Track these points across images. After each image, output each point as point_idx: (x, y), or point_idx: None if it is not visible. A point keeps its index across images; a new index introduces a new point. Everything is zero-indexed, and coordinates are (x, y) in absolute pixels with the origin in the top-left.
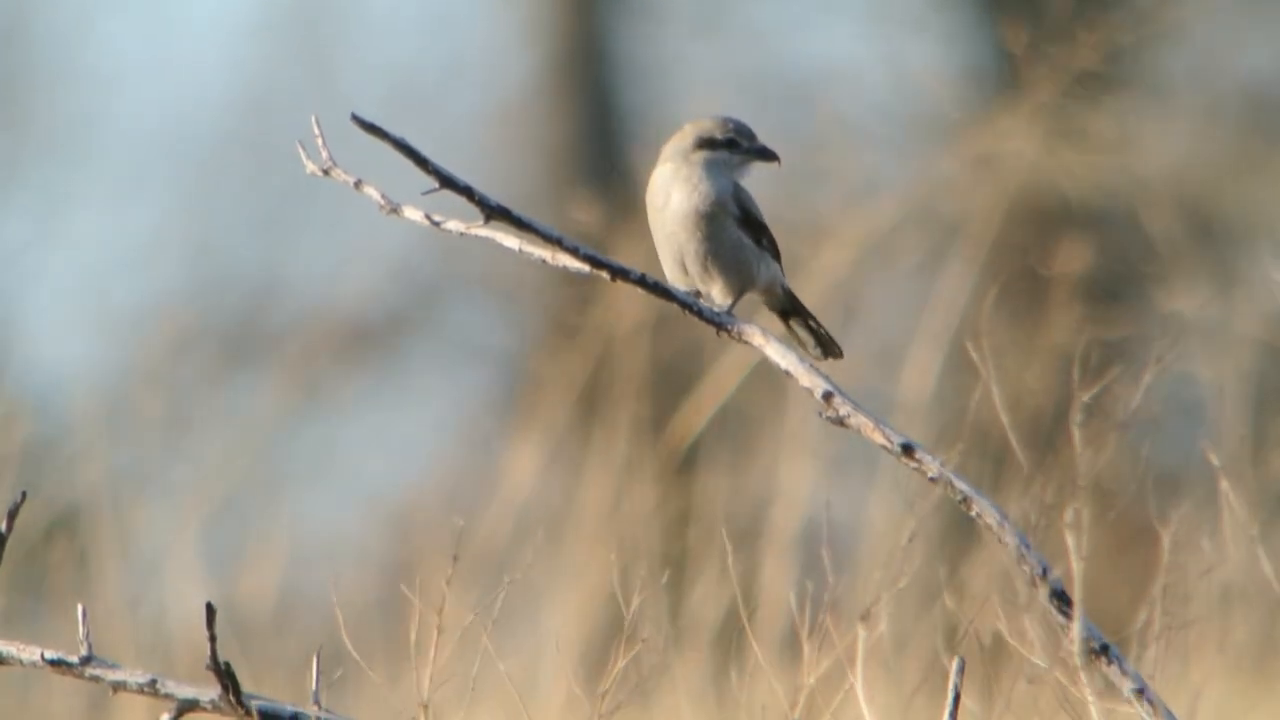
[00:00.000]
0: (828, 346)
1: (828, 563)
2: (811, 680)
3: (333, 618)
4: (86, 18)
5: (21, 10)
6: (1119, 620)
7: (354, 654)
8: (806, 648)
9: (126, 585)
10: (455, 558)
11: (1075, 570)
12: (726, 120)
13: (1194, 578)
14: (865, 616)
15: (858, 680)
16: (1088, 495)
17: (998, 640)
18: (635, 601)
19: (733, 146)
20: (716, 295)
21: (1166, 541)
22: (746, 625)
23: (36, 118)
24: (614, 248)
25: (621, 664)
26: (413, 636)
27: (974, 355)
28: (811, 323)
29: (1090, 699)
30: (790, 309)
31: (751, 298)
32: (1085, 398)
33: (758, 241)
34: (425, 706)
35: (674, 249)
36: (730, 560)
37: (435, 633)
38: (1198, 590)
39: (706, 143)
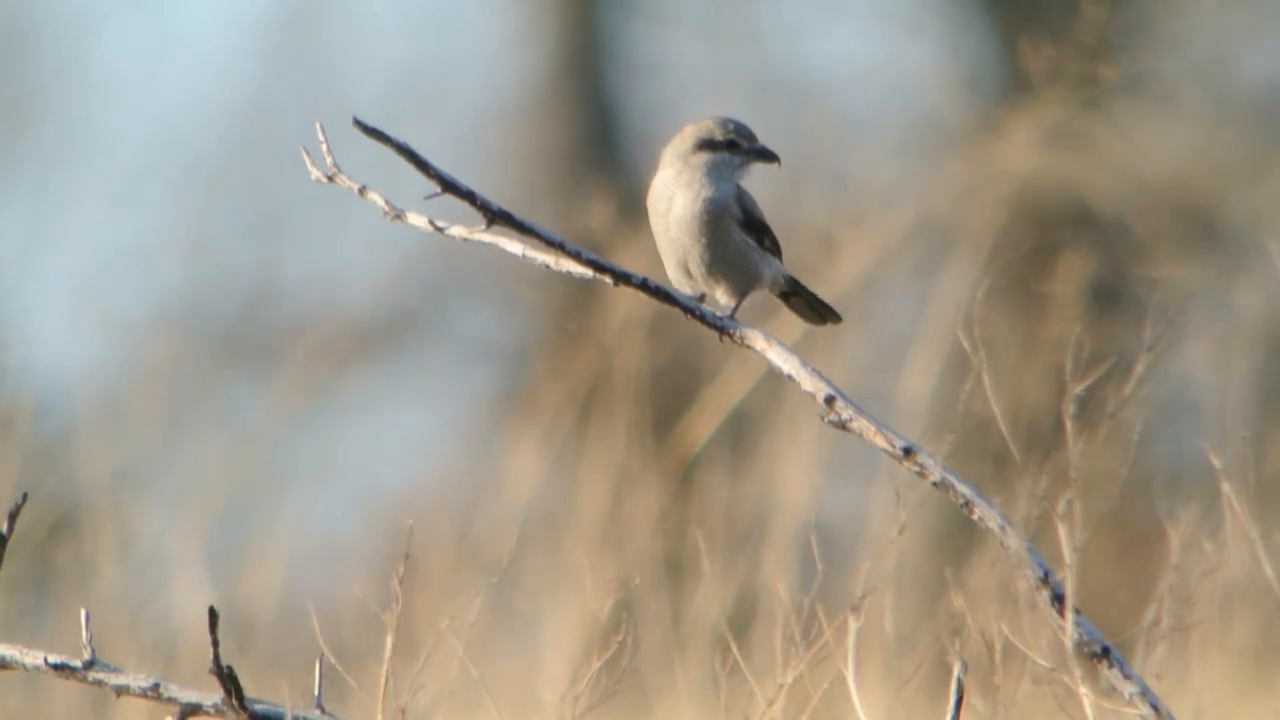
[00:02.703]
0: (826, 314)
1: (815, 550)
2: (789, 678)
3: (335, 620)
4: (87, 21)
5: (23, 14)
6: (1120, 623)
7: (358, 655)
8: (797, 641)
9: (129, 588)
10: (407, 555)
11: (1068, 561)
12: (726, 121)
13: (1196, 579)
14: (856, 608)
15: (849, 672)
16: (1080, 486)
17: (1000, 641)
18: (610, 604)
19: (733, 148)
20: (721, 298)
21: (1175, 543)
22: (728, 634)
23: (37, 120)
24: (616, 249)
25: (596, 666)
26: (387, 644)
27: (965, 344)
28: (808, 296)
29: (1085, 694)
30: (790, 291)
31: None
32: (1078, 389)
33: (760, 243)
34: (403, 712)
35: (678, 253)
36: (740, 559)
37: (393, 631)
38: (1199, 592)
39: (707, 144)
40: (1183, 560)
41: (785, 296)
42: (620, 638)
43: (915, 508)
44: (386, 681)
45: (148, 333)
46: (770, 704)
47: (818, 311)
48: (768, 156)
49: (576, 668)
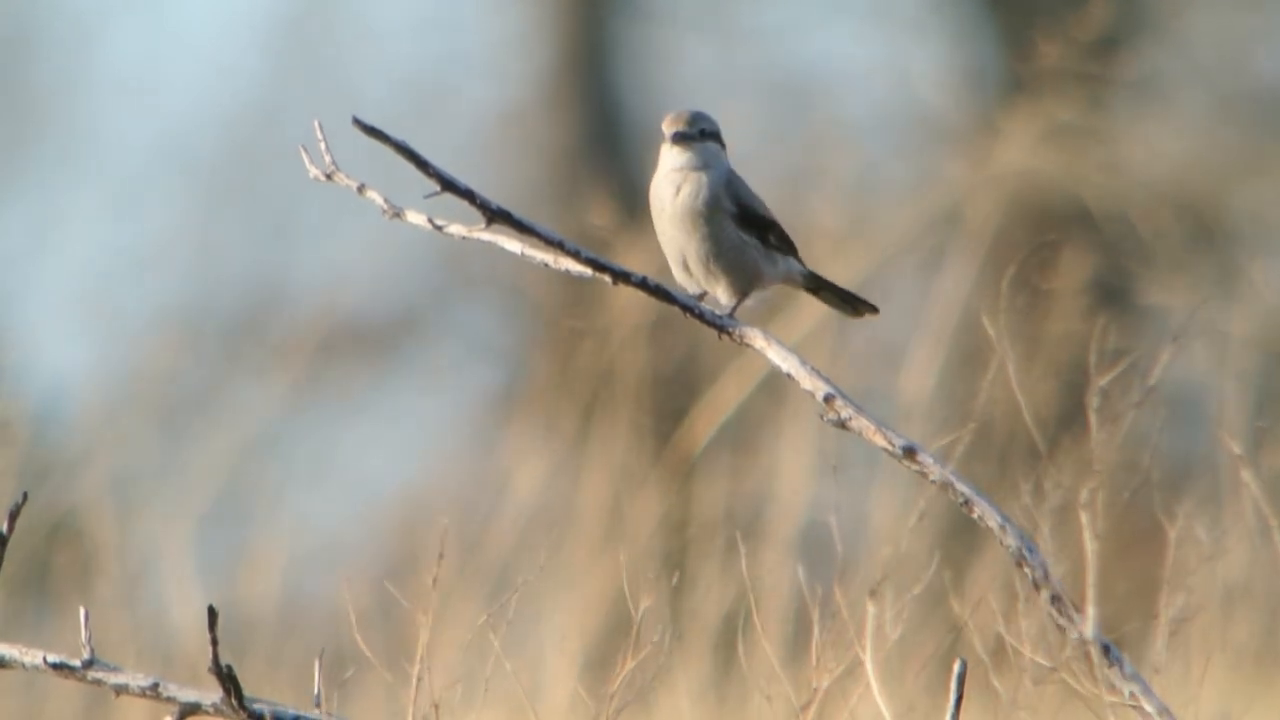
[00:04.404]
0: (859, 305)
1: (835, 533)
2: (814, 679)
3: (335, 620)
4: (90, 24)
5: (26, 18)
6: (1119, 620)
7: (359, 655)
8: (817, 633)
9: (128, 588)
10: (441, 556)
11: (1089, 552)
12: (686, 114)
13: (1195, 569)
14: (874, 593)
15: (867, 657)
16: (1103, 478)
17: (1001, 640)
18: (644, 603)
19: (700, 137)
20: (721, 296)
21: (1173, 536)
22: (755, 615)
23: (40, 123)
24: (618, 249)
25: (631, 665)
26: (422, 638)
27: (990, 330)
28: (838, 290)
29: (1103, 689)
30: (816, 286)
31: (777, 287)
32: (1103, 382)
33: (764, 240)
34: (436, 707)
35: (675, 251)
36: (740, 559)
37: (425, 632)
38: (1199, 583)
39: (679, 138)
40: (1184, 555)
41: (813, 291)
42: (657, 638)
43: (929, 501)
44: (419, 681)
45: (149, 334)
46: (806, 705)
47: (850, 304)
48: (674, 140)
49: (581, 666)
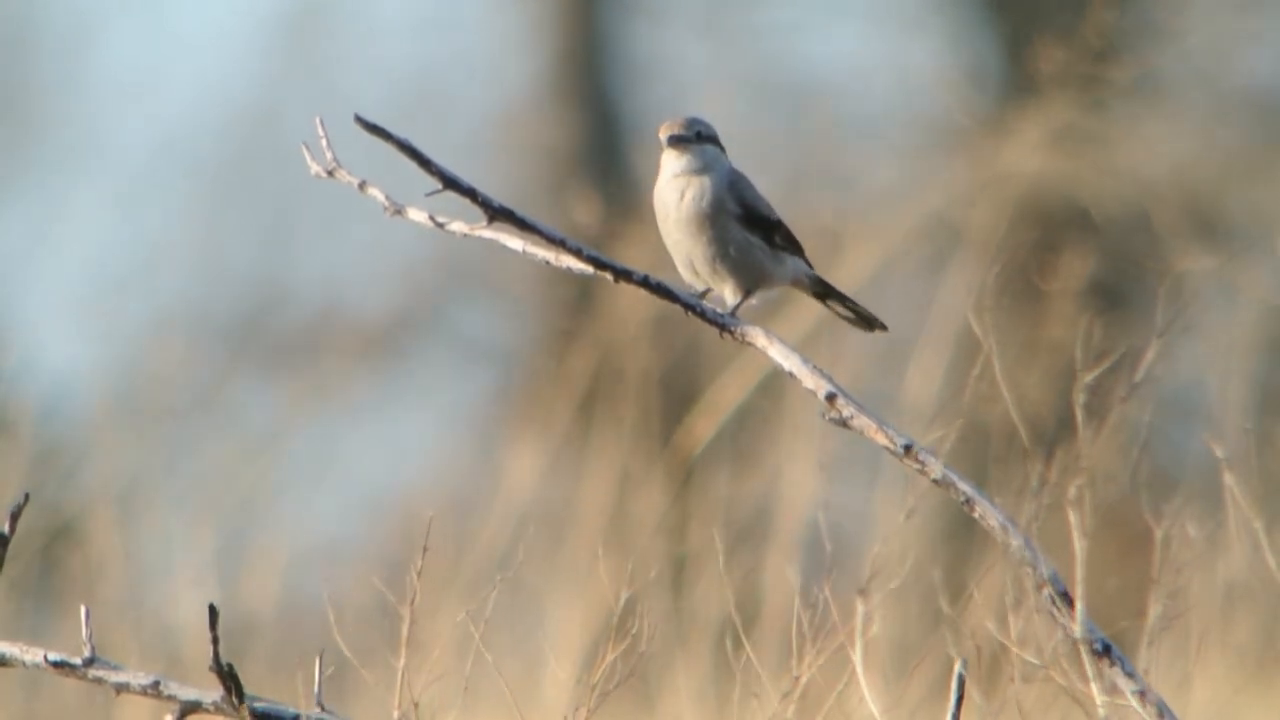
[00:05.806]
0: (869, 322)
1: (825, 533)
2: (804, 669)
3: (335, 620)
4: (90, 24)
5: (27, 18)
6: (1114, 619)
7: (355, 653)
8: (806, 631)
9: (130, 587)
10: (425, 549)
11: (1077, 548)
12: (664, 121)
13: (1189, 568)
14: (864, 591)
15: (857, 655)
16: (1092, 475)
17: (997, 639)
18: (624, 594)
19: (700, 139)
20: (727, 295)
21: (1159, 535)
22: (736, 615)
23: (41, 123)
24: (617, 249)
25: (612, 656)
26: (404, 631)
27: (976, 329)
28: (849, 302)
29: (1104, 688)
30: (824, 292)
31: (785, 288)
32: (1089, 378)
33: (769, 240)
34: (416, 705)
35: (682, 255)
36: (741, 559)
37: (407, 625)
38: (1193, 583)
39: (677, 140)
40: (1179, 554)
41: (821, 299)
42: (634, 628)
43: (920, 502)
44: (403, 674)
45: (150, 334)
46: (785, 696)
47: (862, 317)
48: (669, 142)
49: (581, 665)
